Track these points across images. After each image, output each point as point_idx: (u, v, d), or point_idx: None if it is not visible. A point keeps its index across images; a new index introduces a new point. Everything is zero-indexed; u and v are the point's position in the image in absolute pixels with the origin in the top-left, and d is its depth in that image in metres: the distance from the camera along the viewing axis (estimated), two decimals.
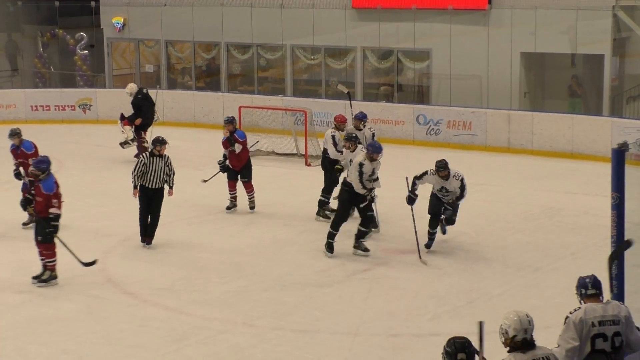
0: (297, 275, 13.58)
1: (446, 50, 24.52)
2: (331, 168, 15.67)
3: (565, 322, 7.32)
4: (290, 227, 16.18)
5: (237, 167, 16.70)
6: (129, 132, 21.63)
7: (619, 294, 8.45)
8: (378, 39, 25.56)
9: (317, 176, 19.38)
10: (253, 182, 17.55)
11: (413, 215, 13.52)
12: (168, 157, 14.79)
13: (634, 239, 8.78)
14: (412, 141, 23.14)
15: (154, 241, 15.04)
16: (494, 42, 23.76)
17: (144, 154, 14.55)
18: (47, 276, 12.80)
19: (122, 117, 21.85)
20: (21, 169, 15.57)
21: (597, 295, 7.30)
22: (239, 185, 16.80)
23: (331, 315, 11.94)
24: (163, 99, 26.56)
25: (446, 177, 13.43)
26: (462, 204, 14.19)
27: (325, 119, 23.35)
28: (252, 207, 16.93)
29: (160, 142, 14.64)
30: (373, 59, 26.24)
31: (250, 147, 18.42)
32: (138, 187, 14.40)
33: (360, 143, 15.58)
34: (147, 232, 14.51)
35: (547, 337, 7.54)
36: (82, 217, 16.41)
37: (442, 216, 14.03)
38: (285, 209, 17.52)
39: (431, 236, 13.96)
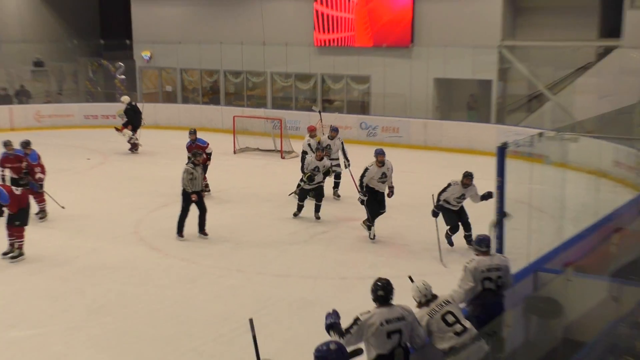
0: (275, 236, 13.94)
1: (381, 76, 24.85)
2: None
3: (463, 270, 7.91)
4: (270, 202, 16.36)
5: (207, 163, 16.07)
6: (127, 132, 21.92)
7: (500, 249, 9.14)
8: (332, 67, 25.76)
9: (289, 166, 20.03)
10: (243, 172, 18.50)
11: (437, 226, 12.49)
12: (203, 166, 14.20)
13: (510, 212, 9.69)
14: (357, 141, 22.95)
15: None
16: (415, 70, 23.99)
17: (188, 165, 13.45)
18: (17, 254, 12.32)
19: (121, 126, 22.19)
20: (6, 172, 14.54)
21: (486, 251, 7.91)
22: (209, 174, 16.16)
23: (299, 264, 12.35)
24: (178, 110, 27.54)
25: (468, 184, 12.42)
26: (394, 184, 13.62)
27: (295, 125, 23.91)
28: (208, 191, 16.11)
29: (199, 154, 13.92)
30: (329, 82, 26.43)
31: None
32: (190, 191, 13.34)
33: (328, 153, 15.87)
34: (201, 226, 13.60)
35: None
36: (119, 195, 16.66)
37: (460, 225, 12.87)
38: (266, 189, 17.69)
39: (450, 238, 12.95)
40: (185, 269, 12.22)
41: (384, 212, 13.55)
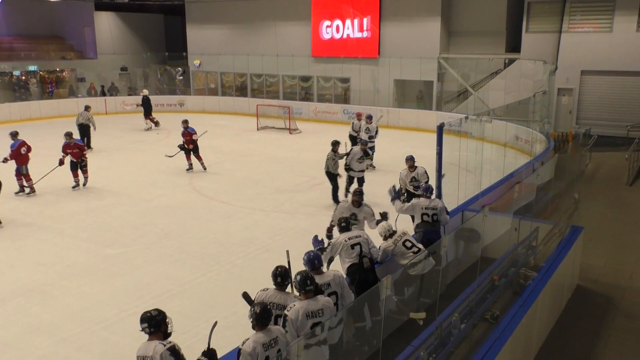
0: (286, 186, 13.69)
1: (357, 77, 24.54)
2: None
3: (410, 204, 7.93)
4: (282, 163, 16.14)
5: (190, 147, 15.01)
6: (149, 123, 21.77)
7: (439, 196, 9.26)
8: (324, 71, 25.44)
9: (295, 139, 19.96)
10: (263, 142, 17.71)
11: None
12: (341, 153, 11.95)
13: (445, 172, 9.65)
14: (341, 122, 22.79)
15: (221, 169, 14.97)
16: (380, 74, 23.86)
17: (330, 153, 11.70)
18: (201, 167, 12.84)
19: (145, 115, 21.85)
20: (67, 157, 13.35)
21: (428, 195, 7.83)
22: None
23: (302, 206, 12.10)
24: (219, 101, 27.19)
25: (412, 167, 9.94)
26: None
27: (298, 111, 23.97)
28: (204, 168, 15.13)
29: (338, 142, 11.93)
30: (322, 82, 25.91)
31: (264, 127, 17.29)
32: (334, 172, 11.67)
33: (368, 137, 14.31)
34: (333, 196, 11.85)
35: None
36: (179, 158, 15.96)
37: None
38: (279, 155, 17.41)
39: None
40: (224, 208, 12.13)
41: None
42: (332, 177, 11.91)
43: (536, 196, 8.68)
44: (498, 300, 7.01)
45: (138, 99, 23.18)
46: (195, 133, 15.12)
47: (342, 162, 11.95)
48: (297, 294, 4.85)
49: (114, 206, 12.27)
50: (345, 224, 6.48)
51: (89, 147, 18.51)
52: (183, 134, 15.18)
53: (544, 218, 8.93)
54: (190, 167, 15.20)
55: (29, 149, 12.97)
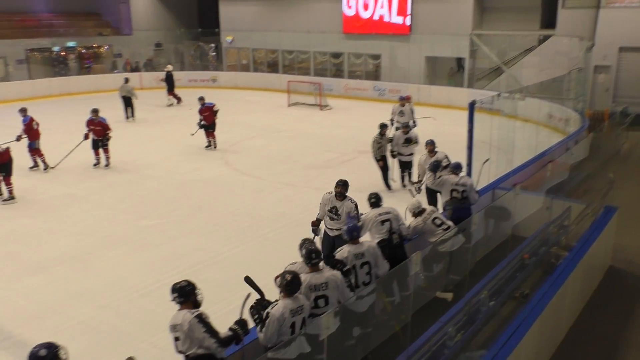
0: (316, 162, 13.62)
1: (388, 54, 24.19)
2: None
3: (440, 179, 7.79)
4: (313, 139, 16.06)
5: (209, 123, 14.78)
6: (172, 99, 21.76)
7: (469, 173, 9.17)
8: (355, 48, 25.10)
9: (326, 116, 19.88)
10: (294, 118, 17.61)
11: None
12: (388, 137, 11.17)
13: (476, 149, 9.53)
14: (371, 99, 22.90)
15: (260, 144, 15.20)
16: (412, 51, 23.35)
17: (377, 135, 10.95)
18: (8, 197, 10.91)
19: (168, 91, 21.77)
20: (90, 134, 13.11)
21: (457, 172, 7.72)
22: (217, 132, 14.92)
23: (332, 181, 12.28)
24: (251, 77, 27.30)
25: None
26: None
27: (329, 87, 23.68)
28: (215, 147, 14.88)
29: (385, 125, 11.15)
30: (352, 59, 25.58)
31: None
32: (378, 157, 11.02)
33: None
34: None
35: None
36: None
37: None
38: (309, 130, 17.39)
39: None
40: (256, 183, 12.18)
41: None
42: (379, 160, 11.13)
43: (569, 175, 8.57)
44: (528, 279, 6.95)
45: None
46: (214, 105, 14.83)
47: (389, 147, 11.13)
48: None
49: (149, 179, 12.45)
50: (375, 199, 6.43)
51: (132, 117, 18.99)
52: (201, 111, 14.83)
53: (576, 197, 8.79)
54: (210, 144, 14.93)
55: (37, 124, 12.78)
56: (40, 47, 27.12)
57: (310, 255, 4.73)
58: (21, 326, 6.62)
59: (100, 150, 13.24)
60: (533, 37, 21.71)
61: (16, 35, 26.12)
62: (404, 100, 14.10)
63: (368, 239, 6.16)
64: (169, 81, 21.97)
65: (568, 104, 16.76)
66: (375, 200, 6.43)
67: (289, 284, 4.34)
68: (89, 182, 12.32)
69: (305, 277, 4.65)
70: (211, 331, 4.07)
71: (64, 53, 28.02)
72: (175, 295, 4.25)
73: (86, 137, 13.20)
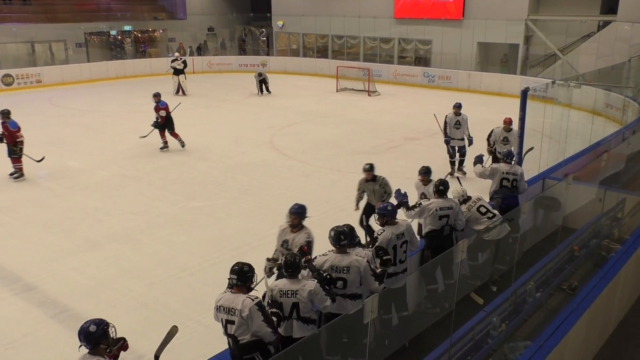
0: (363, 148, 13.45)
1: (439, 39, 23.80)
2: None
3: (491, 167, 7.70)
4: (360, 125, 15.92)
5: (162, 123, 13.14)
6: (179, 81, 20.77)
7: (519, 162, 9.00)
8: (406, 33, 24.82)
9: (374, 101, 19.75)
10: (342, 104, 17.35)
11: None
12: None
13: (527, 136, 9.29)
14: (421, 85, 22.80)
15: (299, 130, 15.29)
16: (464, 36, 22.93)
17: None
18: (18, 175, 11.25)
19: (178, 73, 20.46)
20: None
21: (509, 161, 7.61)
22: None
23: (378, 167, 12.40)
24: (300, 62, 27.26)
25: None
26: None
27: (378, 73, 23.53)
28: (182, 146, 13.38)
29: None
30: (402, 44, 25.30)
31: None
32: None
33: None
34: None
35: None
36: (260, 117, 16.32)
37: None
38: (357, 117, 17.22)
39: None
40: (302, 167, 12.24)
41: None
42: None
43: (625, 166, 8.20)
44: (577, 271, 6.73)
45: (226, 59, 23.37)
46: (167, 107, 13.17)
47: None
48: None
49: (199, 161, 12.65)
50: (442, 187, 6.21)
51: (183, 93, 19.47)
52: (155, 108, 13.19)
53: (632, 189, 8.45)
54: (165, 146, 13.35)
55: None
56: (98, 31, 27.93)
57: (339, 237, 4.71)
58: (76, 300, 6.88)
59: (166, 133, 13.26)
60: (592, 23, 20.87)
61: (76, 19, 26.97)
62: (458, 107, 11.32)
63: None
64: (184, 66, 20.77)
65: (627, 93, 16.04)
66: (443, 189, 6.19)
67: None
68: (143, 162, 12.61)
69: (328, 257, 4.69)
70: (268, 320, 3.99)
71: (120, 37, 28.78)
72: (234, 277, 4.05)
73: (157, 123, 13.21)
